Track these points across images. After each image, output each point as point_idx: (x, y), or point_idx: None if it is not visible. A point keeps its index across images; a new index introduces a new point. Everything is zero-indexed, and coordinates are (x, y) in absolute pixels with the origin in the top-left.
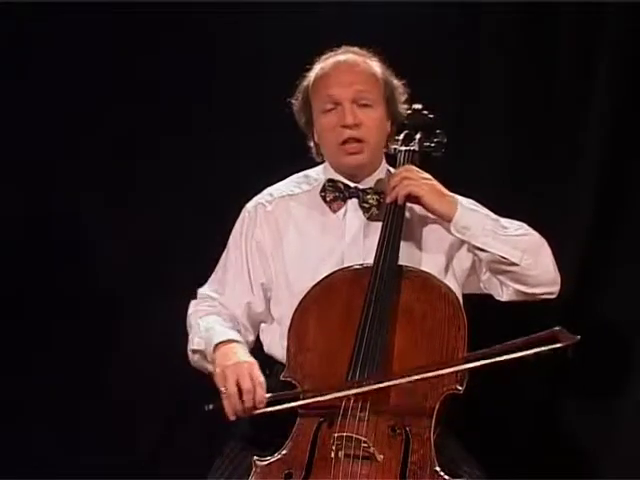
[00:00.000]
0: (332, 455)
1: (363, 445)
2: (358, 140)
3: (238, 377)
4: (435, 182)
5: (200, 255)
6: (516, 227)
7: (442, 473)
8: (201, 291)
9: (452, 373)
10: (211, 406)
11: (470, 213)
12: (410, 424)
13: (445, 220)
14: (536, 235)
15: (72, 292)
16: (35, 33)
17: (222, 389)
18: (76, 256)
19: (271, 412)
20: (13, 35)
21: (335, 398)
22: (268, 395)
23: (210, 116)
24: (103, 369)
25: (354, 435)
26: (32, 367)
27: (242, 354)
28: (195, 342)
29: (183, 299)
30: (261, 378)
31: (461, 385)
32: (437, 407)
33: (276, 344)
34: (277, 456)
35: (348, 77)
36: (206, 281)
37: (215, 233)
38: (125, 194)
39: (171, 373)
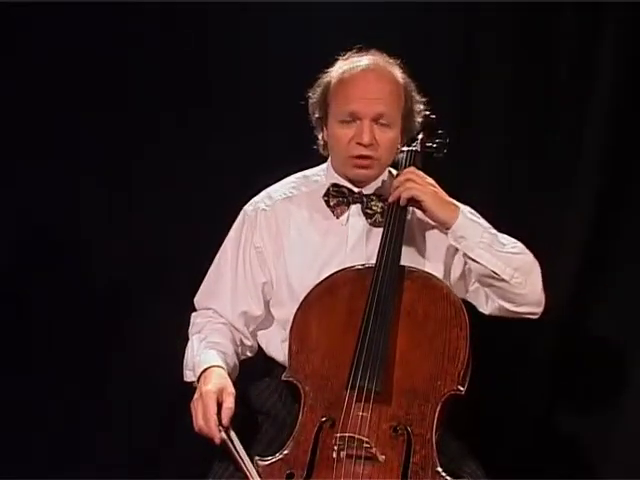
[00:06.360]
0: (334, 455)
1: (365, 445)
2: (370, 157)
3: (197, 413)
4: (439, 188)
5: (199, 256)
6: (512, 245)
7: (444, 474)
8: (197, 300)
9: (453, 374)
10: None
11: (469, 224)
12: (412, 425)
13: (444, 227)
14: (530, 256)
15: (72, 292)
16: (31, 27)
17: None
18: (76, 257)
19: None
20: (8, 29)
21: (334, 400)
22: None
23: (210, 116)
24: (103, 369)
25: (356, 435)
26: (32, 367)
27: (206, 382)
28: (187, 375)
29: (182, 299)
30: (212, 411)
31: (462, 386)
32: (439, 408)
33: (277, 347)
34: (279, 456)
35: (373, 93)
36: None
37: (214, 233)
38: (125, 195)
39: (171, 373)
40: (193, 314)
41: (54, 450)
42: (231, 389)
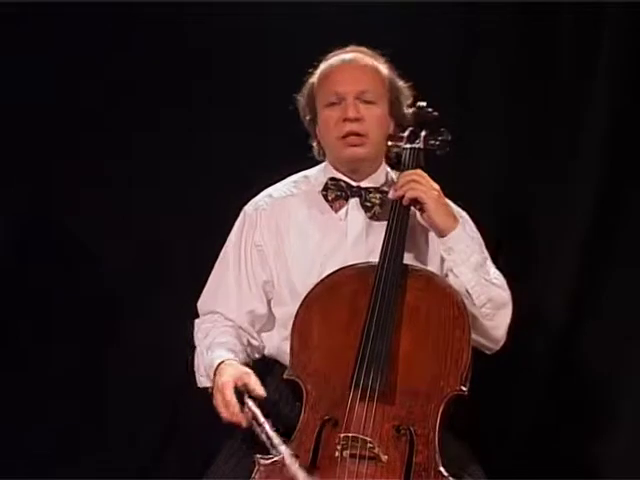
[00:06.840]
0: (337, 455)
1: (368, 446)
2: (359, 134)
3: (219, 405)
4: (443, 196)
5: (200, 255)
6: (496, 276)
7: (446, 474)
8: (201, 304)
9: (456, 374)
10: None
11: (465, 240)
12: (415, 425)
13: (439, 234)
14: (507, 293)
15: (71, 292)
16: (31, 27)
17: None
18: (76, 257)
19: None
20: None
21: (337, 399)
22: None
23: (210, 116)
24: (103, 369)
25: (360, 435)
26: (31, 366)
27: (221, 375)
28: (201, 381)
29: (183, 300)
30: (232, 399)
31: (465, 386)
32: (442, 408)
33: (278, 346)
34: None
35: (354, 74)
36: (205, 281)
37: (214, 234)
38: (125, 194)
39: (171, 373)
40: (197, 321)
41: (54, 450)
42: (247, 370)
